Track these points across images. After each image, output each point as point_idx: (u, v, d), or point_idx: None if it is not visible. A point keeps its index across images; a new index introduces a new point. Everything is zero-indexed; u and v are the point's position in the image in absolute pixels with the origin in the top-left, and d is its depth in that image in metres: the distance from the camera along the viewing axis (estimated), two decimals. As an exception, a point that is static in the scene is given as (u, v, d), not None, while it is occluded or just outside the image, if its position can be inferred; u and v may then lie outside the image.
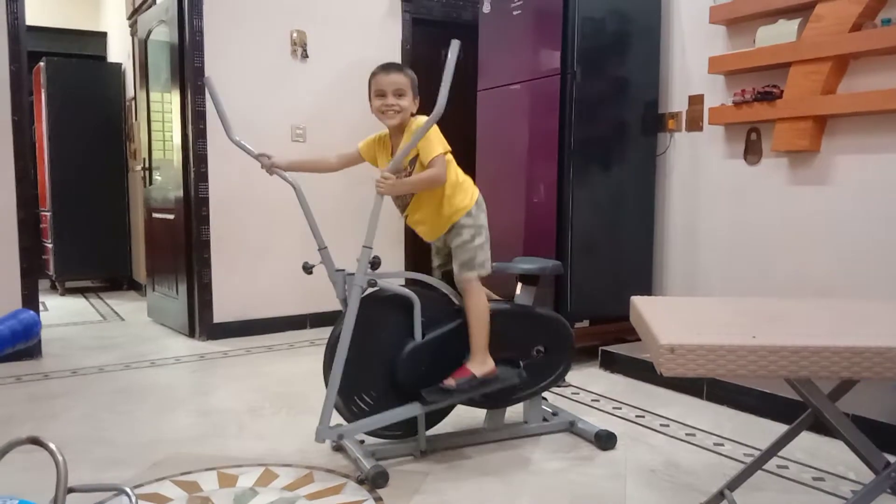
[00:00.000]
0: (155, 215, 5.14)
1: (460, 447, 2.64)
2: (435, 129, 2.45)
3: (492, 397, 2.61)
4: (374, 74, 2.51)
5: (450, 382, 2.44)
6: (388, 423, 2.47)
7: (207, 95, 4.37)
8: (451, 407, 2.65)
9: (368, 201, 2.50)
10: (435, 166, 2.43)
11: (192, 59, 4.41)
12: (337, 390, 2.36)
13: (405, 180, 2.49)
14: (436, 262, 2.74)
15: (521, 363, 2.60)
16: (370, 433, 2.55)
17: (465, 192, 2.55)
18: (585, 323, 3.92)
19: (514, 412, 2.81)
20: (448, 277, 2.65)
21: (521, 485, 2.34)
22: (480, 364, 2.47)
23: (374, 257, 2.40)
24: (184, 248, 4.62)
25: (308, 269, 2.48)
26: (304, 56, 4.74)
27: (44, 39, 6.97)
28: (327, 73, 4.85)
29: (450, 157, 2.52)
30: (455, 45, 2.19)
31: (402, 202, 2.61)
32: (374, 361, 2.47)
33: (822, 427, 2.31)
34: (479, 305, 2.48)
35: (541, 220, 3.85)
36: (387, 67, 2.51)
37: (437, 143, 2.45)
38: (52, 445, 1.05)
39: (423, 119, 2.42)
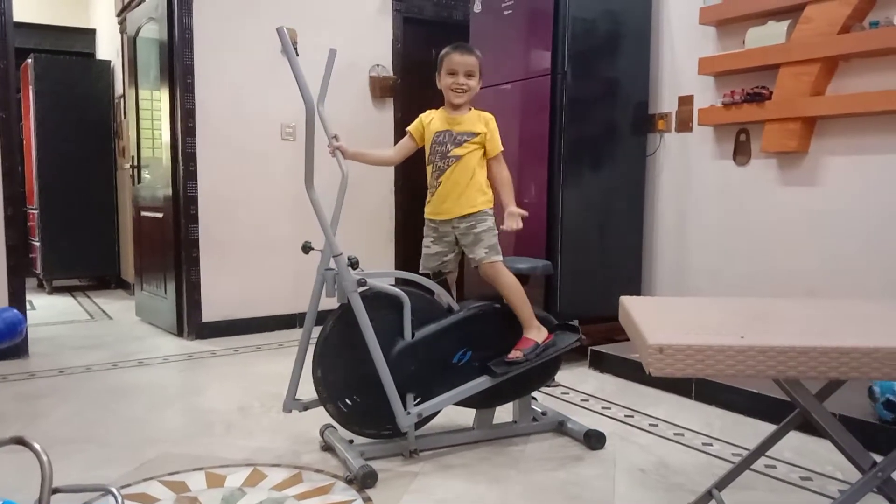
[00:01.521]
0: (143, 213, 5.11)
1: (450, 447, 2.64)
2: (496, 127, 2.70)
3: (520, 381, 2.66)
4: (447, 54, 2.64)
5: (516, 354, 2.54)
6: (456, 401, 2.55)
7: (196, 92, 4.40)
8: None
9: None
10: (503, 168, 2.72)
11: (181, 56, 4.39)
12: (394, 388, 2.40)
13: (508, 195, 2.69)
14: (430, 263, 2.71)
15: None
16: (359, 433, 2.55)
17: (490, 192, 2.71)
18: (575, 323, 3.92)
19: (504, 412, 2.81)
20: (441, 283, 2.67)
21: (511, 484, 2.34)
22: (537, 332, 2.61)
23: (349, 258, 2.40)
24: (172, 246, 4.59)
25: (307, 248, 2.50)
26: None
27: (32, 36, 6.93)
28: (318, 72, 4.83)
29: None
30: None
31: (445, 164, 2.63)
32: (365, 361, 2.46)
33: (809, 427, 2.32)
34: (512, 282, 2.60)
35: (531, 219, 3.81)
36: (460, 48, 2.65)
37: (499, 140, 2.70)
38: (36, 445, 1.05)
39: (483, 113, 2.68)
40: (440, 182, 2.64)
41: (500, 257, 2.62)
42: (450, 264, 2.71)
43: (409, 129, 2.74)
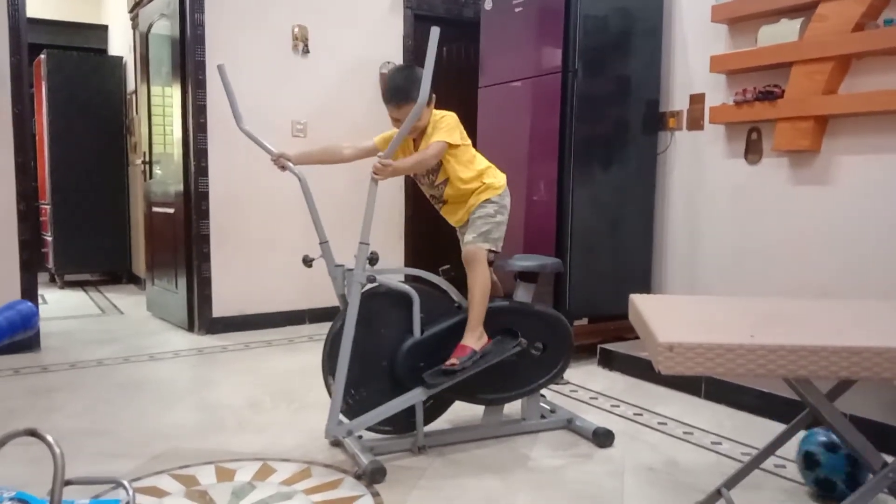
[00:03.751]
0: (155, 209, 5.14)
1: (458, 443, 2.64)
2: (454, 121, 2.54)
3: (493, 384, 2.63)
4: (385, 102, 2.56)
5: (452, 362, 2.45)
6: (392, 413, 2.46)
7: (208, 89, 4.42)
8: (450, 402, 2.66)
9: (380, 198, 2.51)
10: (430, 148, 2.48)
11: (193, 53, 4.41)
12: (343, 387, 2.37)
13: (401, 162, 2.49)
14: None
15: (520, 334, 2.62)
16: (368, 428, 2.56)
17: (496, 176, 2.65)
18: (584, 321, 3.92)
19: (513, 409, 2.81)
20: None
21: (519, 481, 2.34)
22: (477, 338, 2.51)
23: (371, 253, 2.39)
24: (184, 242, 4.62)
25: (308, 262, 2.49)
26: (306, 51, 4.74)
27: (45, 32, 6.97)
28: (328, 69, 4.85)
29: (473, 150, 2.64)
30: (434, 32, 2.18)
31: (439, 192, 2.65)
32: (373, 356, 2.47)
33: (819, 426, 2.31)
34: (483, 279, 2.50)
35: (541, 217, 3.85)
36: (393, 100, 2.48)
37: (445, 132, 2.50)
38: (49, 438, 1.05)
39: (444, 113, 2.55)
40: (444, 203, 2.68)
41: (488, 245, 2.53)
42: None
43: (377, 139, 2.69)
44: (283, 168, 2.62)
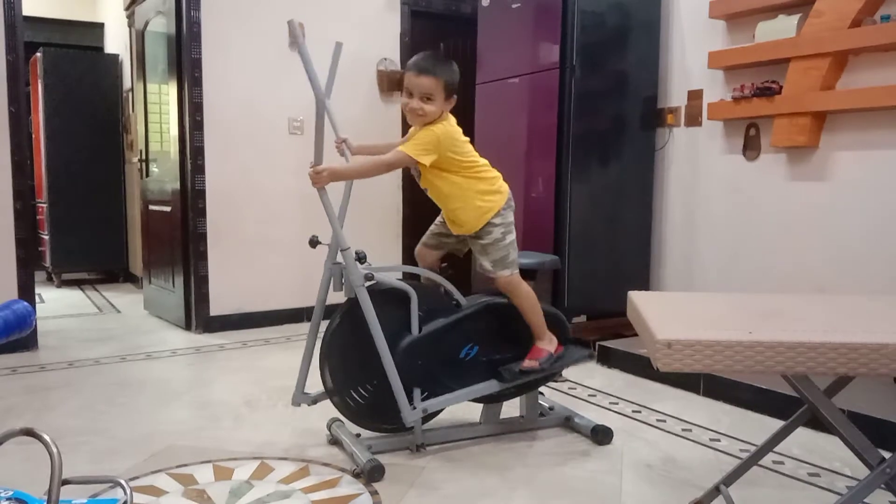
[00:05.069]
0: (152, 207, 5.13)
1: (456, 441, 2.64)
2: (434, 138, 2.34)
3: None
4: (407, 69, 2.40)
5: (532, 364, 2.51)
6: (465, 400, 2.56)
7: (204, 86, 4.41)
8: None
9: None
10: (387, 156, 2.37)
11: (189, 50, 4.39)
12: (399, 382, 2.39)
13: (344, 166, 2.49)
14: (432, 233, 2.68)
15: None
16: (366, 427, 2.56)
17: (496, 195, 2.50)
18: (583, 318, 3.93)
19: (511, 406, 2.81)
20: (443, 270, 2.67)
21: (518, 479, 2.34)
22: (549, 342, 2.57)
23: (357, 252, 2.39)
24: (180, 240, 4.61)
25: (314, 243, 2.49)
26: (303, 48, 4.73)
27: (41, 30, 6.95)
28: (325, 66, 4.83)
29: (472, 159, 2.46)
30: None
31: (427, 192, 2.57)
32: (371, 355, 2.46)
33: (817, 423, 2.30)
34: (527, 295, 2.53)
35: (539, 214, 3.84)
36: (417, 66, 2.35)
37: (414, 145, 2.35)
38: (46, 437, 1.05)
39: (441, 126, 2.37)
40: (441, 208, 2.59)
41: (509, 271, 2.48)
42: (447, 246, 2.66)
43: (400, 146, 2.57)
44: (342, 154, 2.63)
